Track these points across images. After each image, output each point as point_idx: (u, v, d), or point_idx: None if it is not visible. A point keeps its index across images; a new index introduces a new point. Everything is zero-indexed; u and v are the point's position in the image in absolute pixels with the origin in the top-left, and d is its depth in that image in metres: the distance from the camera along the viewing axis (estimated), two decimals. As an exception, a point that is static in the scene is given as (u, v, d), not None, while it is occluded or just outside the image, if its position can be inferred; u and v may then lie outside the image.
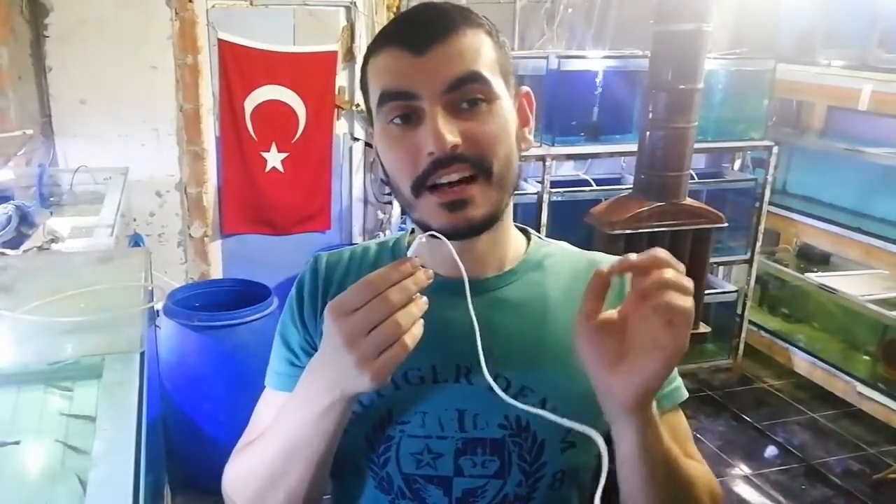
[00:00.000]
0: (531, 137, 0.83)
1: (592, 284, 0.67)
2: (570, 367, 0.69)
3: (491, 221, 0.76)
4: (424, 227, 0.76)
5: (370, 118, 0.81)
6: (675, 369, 0.87)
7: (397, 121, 0.75)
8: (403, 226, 3.19)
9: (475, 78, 0.73)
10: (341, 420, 0.71)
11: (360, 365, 0.63)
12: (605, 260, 0.90)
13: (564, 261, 0.89)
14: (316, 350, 0.83)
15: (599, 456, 0.71)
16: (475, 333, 0.71)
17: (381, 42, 0.77)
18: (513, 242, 0.87)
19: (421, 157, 0.73)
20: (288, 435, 0.74)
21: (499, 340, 0.79)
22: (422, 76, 0.73)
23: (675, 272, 0.63)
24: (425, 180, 0.74)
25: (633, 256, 0.65)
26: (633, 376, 0.65)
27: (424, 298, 0.66)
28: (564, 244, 0.93)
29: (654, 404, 0.69)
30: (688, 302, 0.62)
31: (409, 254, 0.70)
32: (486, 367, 0.72)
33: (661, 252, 0.64)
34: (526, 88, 0.83)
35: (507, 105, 0.77)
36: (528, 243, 0.89)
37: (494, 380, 0.77)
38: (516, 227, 0.89)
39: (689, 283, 0.63)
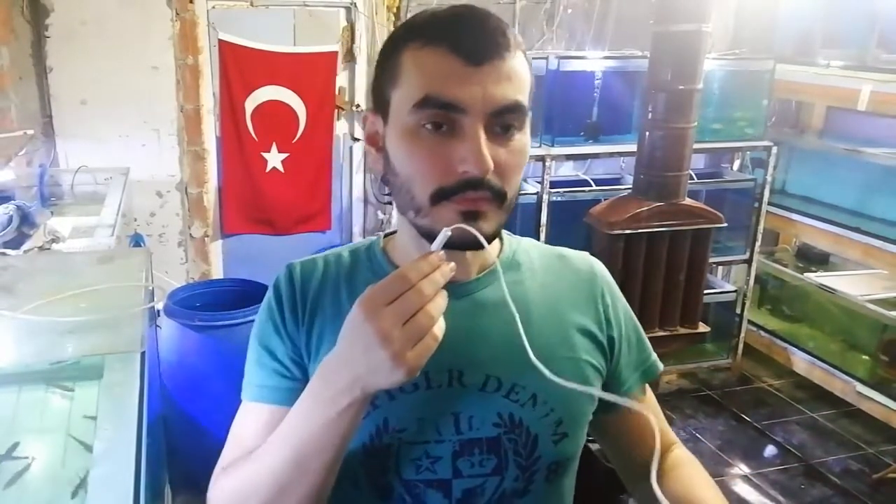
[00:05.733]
0: None
1: None
2: (554, 362, 0.71)
3: (493, 238, 0.77)
4: (429, 233, 0.75)
5: (384, 107, 0.77)
6: (647, 342, 0.92)
7: (429, 126, 0.73)
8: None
9: (518, 109, 0.73)
10: (356, 422, 0.70)
11: (395, 359, 0.63)
12: (572, 255, 0.94)
13: (536, 257, 0.91)
14: (303, 361, 0.84)
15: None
16: (514, 316, 0.70)
17: (427, 35, 0.73)
18: (493, 244, 0.88)
19: (451, 171, 0.72)
20: (298, 443, 0.71)
21: (485, 342, 0.80)
22: (473, 92, 0.71)
23: None
24: (452, 195, 0.73)
25: None
26: None
27: (445, 291, 0.66)
28: (530, 240, 0.95)
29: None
30: None
31: (432, 248, 0.69)
32: (477, 370, 0.78)
33: None
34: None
35: (528, 131, 0.78)
36: (502, 242, 0.90)
37: (485, 381, 0.81)
38: None
39: None
